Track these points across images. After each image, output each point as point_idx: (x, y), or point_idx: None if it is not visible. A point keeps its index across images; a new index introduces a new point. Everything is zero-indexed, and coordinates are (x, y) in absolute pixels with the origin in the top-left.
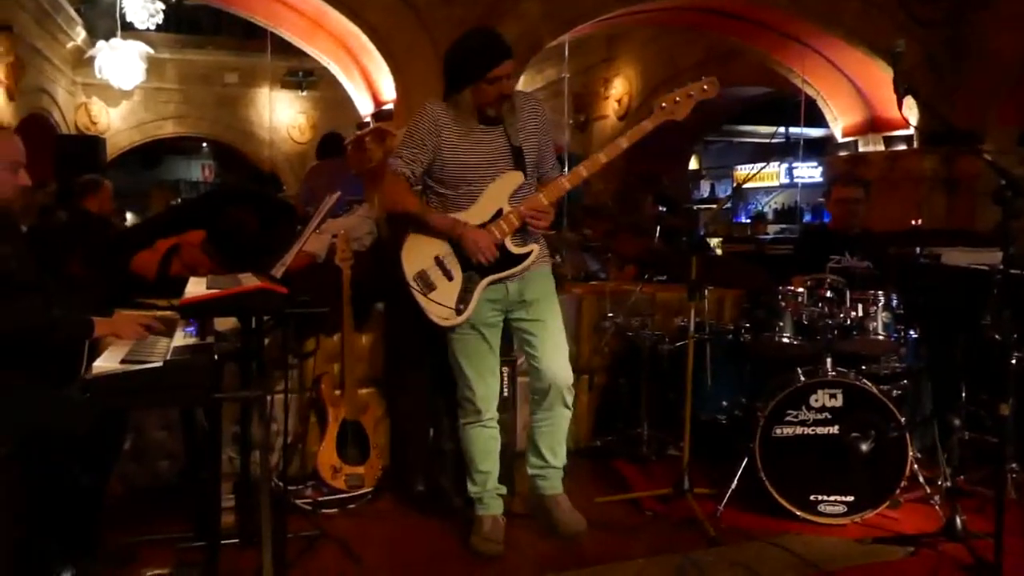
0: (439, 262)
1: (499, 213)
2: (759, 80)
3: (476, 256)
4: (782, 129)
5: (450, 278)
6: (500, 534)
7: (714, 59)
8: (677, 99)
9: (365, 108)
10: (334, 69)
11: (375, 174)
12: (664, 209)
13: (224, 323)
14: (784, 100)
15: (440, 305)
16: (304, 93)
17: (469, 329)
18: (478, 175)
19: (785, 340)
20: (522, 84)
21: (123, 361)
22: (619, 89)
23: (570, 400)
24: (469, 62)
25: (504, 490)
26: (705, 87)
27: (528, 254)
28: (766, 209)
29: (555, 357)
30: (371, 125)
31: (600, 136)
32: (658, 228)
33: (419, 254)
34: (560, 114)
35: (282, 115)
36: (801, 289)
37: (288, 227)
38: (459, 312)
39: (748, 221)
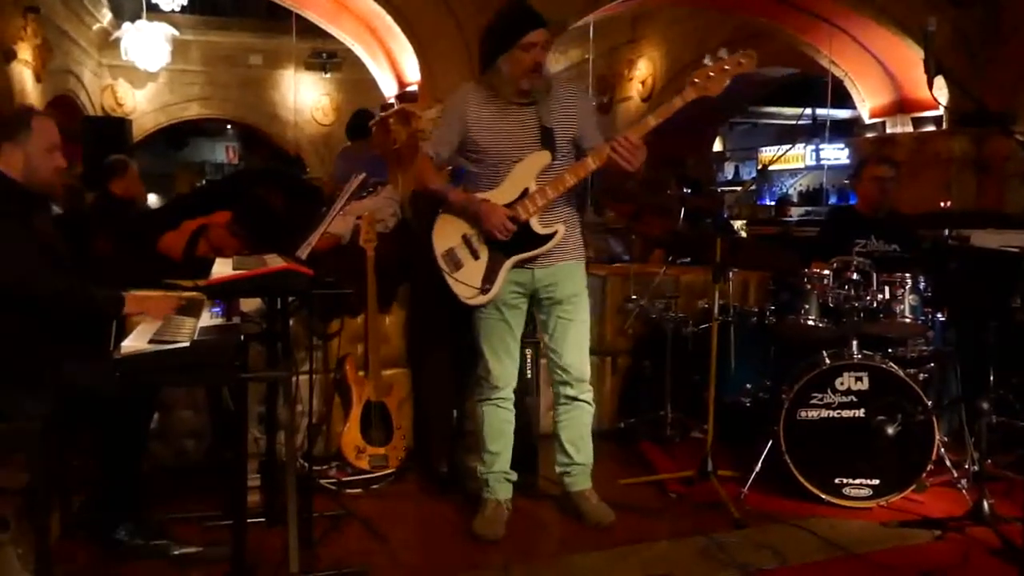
0: (466, 241)
1: (525, 192)
2: (786, 61)
3: (491, 232)
4: (808, 110)
5: (476, 257)
6: (502, 519)
7: (741, 40)
8: (712, 73)
9: (389, 90)
10: (358, 50)
11: (400, 155)
12: (688, 191)
13: (250, 304)
14: (811, 81)
15: (465, 284)
16: (328, 75)
17: (491, 308)
18: (505, 154)
19: (811, 323)
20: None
21: (151, 341)
22: (643, 71)
23: (590, 396)
24: (503, 29)
25: (514, 476)
26: (741, 60)
27: (552, 235)
28: (791, 191)
29: (575, 354)
30: (395, 107)
31: (624, 118)
32: (682, 210)
33: (448, 233)
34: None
35: (306, 97)
36: (827, 271)
37: (314, 208)
38: (484, 291)
39: (773, 203)
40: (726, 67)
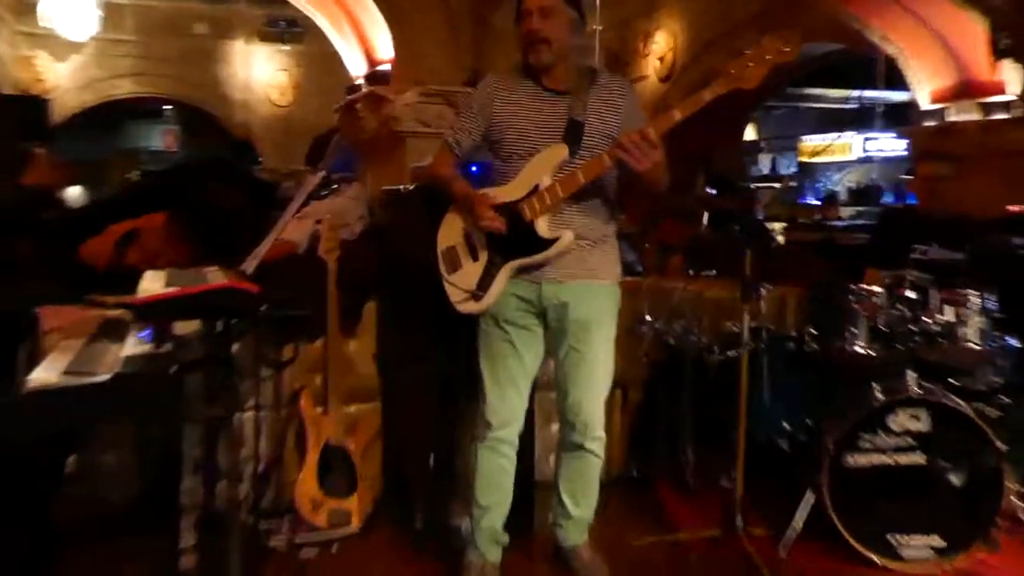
0: (468, 239)
1: (535, 189)
2: (830, 35)
3: (479, 224)
4: (856, 93)
5: (475, 258)
6: None
7: (776, 10)
8: (750, 63)
9: (357, 68)
10: (320, 21)
11: (370, 147)
12: (714, 190)
13: (186, 326)
14: (859, 59)
15: (458, 288)
16: (287, 47)
17: (492, 324)
18: (523, 146)
19: (859, 349)
20: None
21: (66, 372)
22: (661, 45)
23: (599, 447)
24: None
25: (506, 539)
26: (785, 48)
27: (556, 239)
28: (838, 188)
29: (586, 395)
30: (364, 89)
31: (640, 101)
32: (706, 213)
33: (452, 230)
34: None
35: (260, 72)
36: (878, 288)
37: (268, 209)
38: (476, 298)
39: (817, 203)
40: (767, 56)
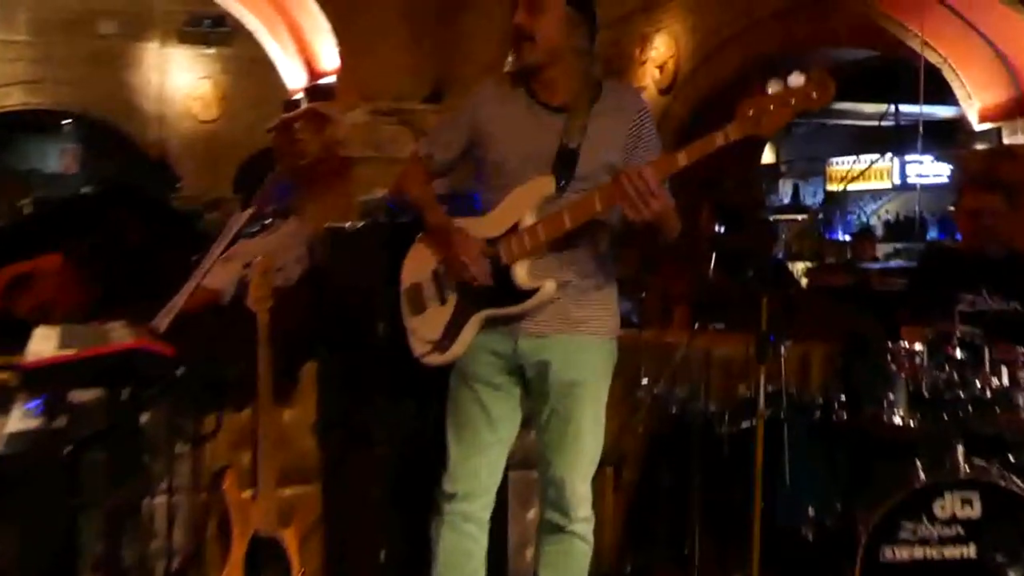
0: (436, 279)
1: (515, 228)
2: (863, 40)
3: (459, 273)
4: (894, 108)
5: (442, 301)
6: None
7: (801, 10)
8: (771, 106)
9: (296, 80)
10: (251, 23)
11: (311, 175)
12: (724, 226)
13: (84, 394)
14: (897, 68)
15: (421, 335)
16: (211, 50)
17: (460, 381)
18: (507, 172)
19: (898, 419)
20: None
21: None
22: (662, 51)
23: (587, 529)
24: None
25: None
26: (814, 94)
27: (536, 291)
28: (874, 221)
29: (575, 470)
30: (303, 105)
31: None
32: (714, 253)
33: (419, 263)
34: None
35: (179, 80)
36: (920, 345)
37: (186, 248)
38: (441, 348)
39: (848, 239)
40: (792, 100)
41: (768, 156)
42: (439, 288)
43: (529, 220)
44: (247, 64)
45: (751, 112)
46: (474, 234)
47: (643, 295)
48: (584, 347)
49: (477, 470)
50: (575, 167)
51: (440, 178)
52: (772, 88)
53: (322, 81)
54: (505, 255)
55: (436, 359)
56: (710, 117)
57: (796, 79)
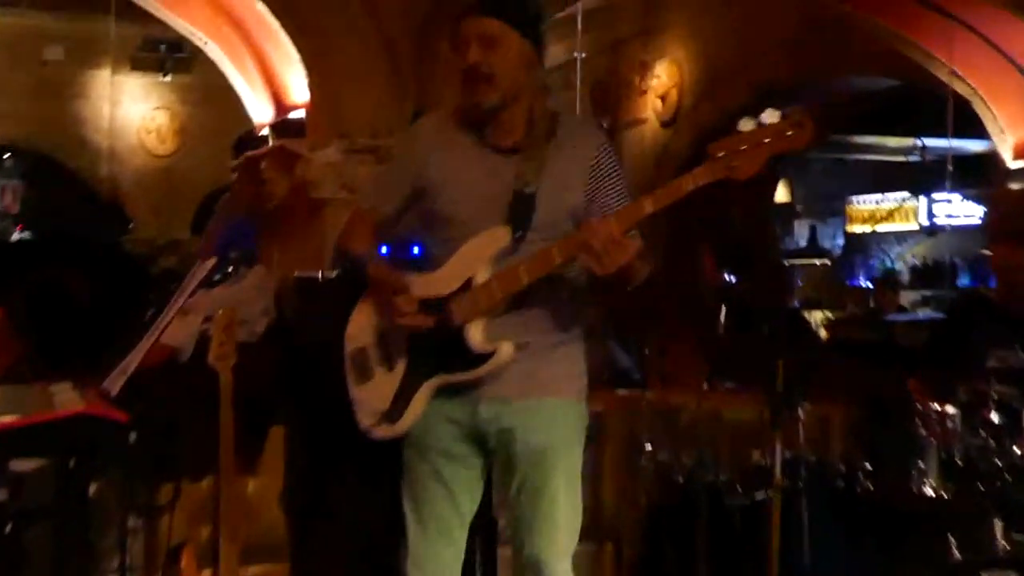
0: (383, 340)
1: (467, 284)
2: (884, 68)
3: (397, 321)
4: (921, 143)
5: (390, 366)
6: None
7: (815, 35)
8: (744, 146)
9: (262, 114)
10: (213, 52)
11: (278, 219)
12: (733, 274)
13: (26, 464)
14: (923, 99)
15: (367, 405)
16: (168, 78)
17: (416, 455)
18: (462, 223)
19: (929, 490)
20: None
21: None
22: (664, 79)
23: None
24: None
25: None
26: (789, 132)
27: (491, 354)
28: (899, 266)
29: (551, 548)
30: (271, 142)
31: (634, 151)
32: (724, 303)
33: (364, 325)
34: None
35: (132, 111)
36: (952, 408)
37: (138, 300)
38: (390, 419)
39: (871, 286)
40: (766, 139)
41: (782, 194)
42: (386, 352)
43: (483, 276)
44: (208, 93)
45: (721, 154)
46: (423, 293)
47: (645, 350)
48: (551, 411)
49: (439, 552)
50: (532, 214)
51: (386, 232)
52: (743, 126)
53: (291, 115)
54: (458, 315)
55: (386, 432)
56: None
57: (770, 116)
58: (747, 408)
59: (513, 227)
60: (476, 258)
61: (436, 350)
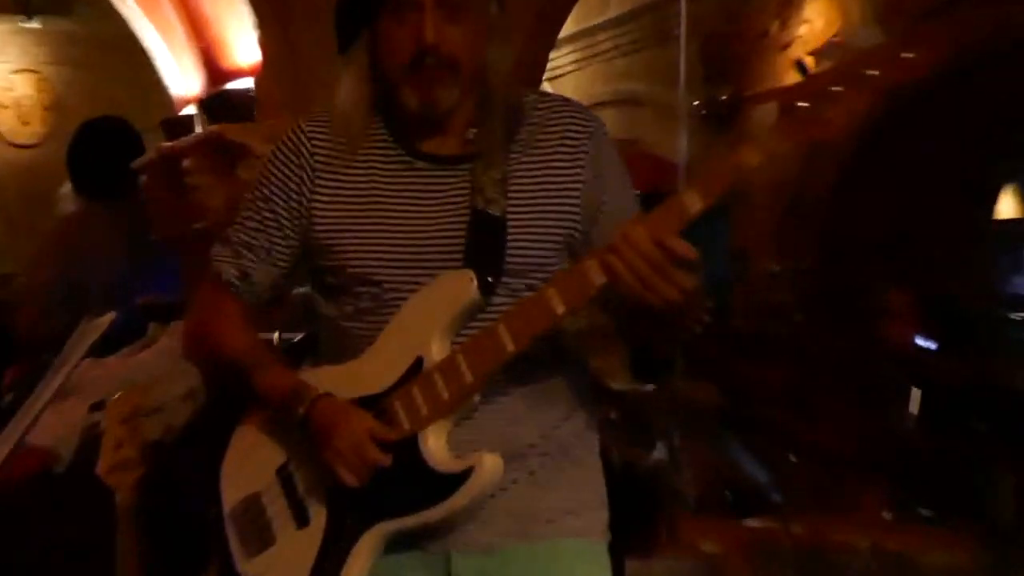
0: (285, 483)
1: (416, 368)
2: None
3: (337, 471)
4: None
5: (302, 520)
6: None
7: None
8: (835, 86)
9: (185, 84)
10: None
11: (210, 245)
12: (929, 342)
13: None
14: None
15: None
16: (34, 23)
17: None
18: (393, 280)
19: None
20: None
21: None
22: (817, 25)
23: None
24: None
25: None
26: (904, 55)
27: (466, 474)
28: None
29: None
30: (199, 128)
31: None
32: (915, 386)
33: (250, 465)
34: (668, 86)
35: None
36: None
37: None
38: None
39: None
40: (868, 71)
41: (1008, 206)
42: (293, 498)
43: (440, 351)
44: (95, 48)
45: (802, 106)
46: (341, 394)
47: (789, 457)
48: (561, 559)
49: None
50: (504, 246)
51: (265, 309)
52: (827, 56)
53: (231, 85)
54: (408, 418)
55: None
56: (899, 140)
57: (868, 36)
58: (954, 551)
59: (477, 270)
60: (424, 325)
61: (376, 480)
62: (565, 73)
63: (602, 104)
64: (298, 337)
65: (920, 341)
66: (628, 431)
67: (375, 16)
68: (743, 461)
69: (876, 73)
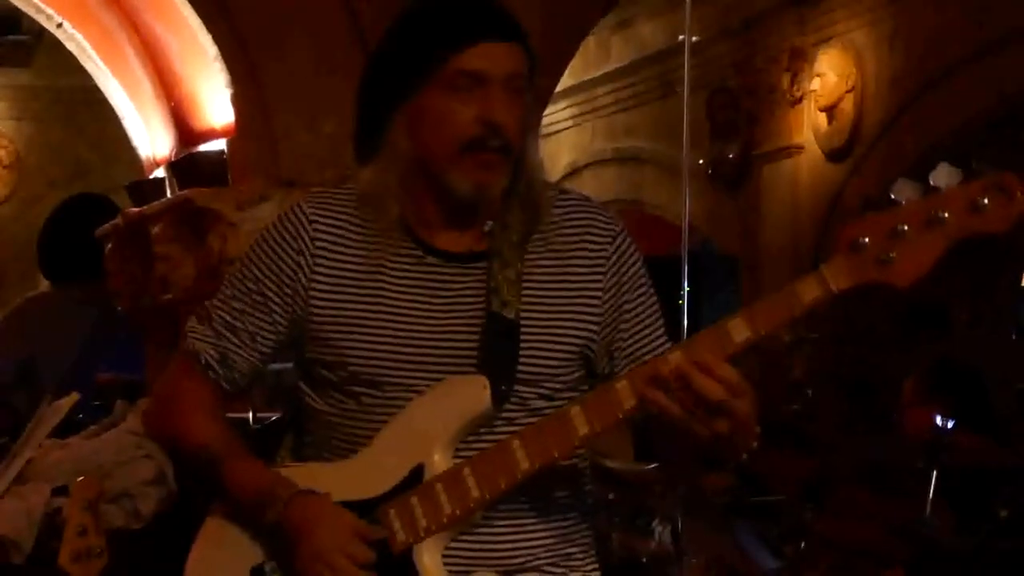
0: None
1: (417, 476)
2: None
3: (318, 573)
4: None
5: None
6: None
7: None
8: (904, 227)
9: (154, 144)
10: (73, 40)
11: (178, 321)
12: (948, 421)
13: None
14: None
15: None
16: None
17: None
18: (398, 373)
19: None
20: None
21: None
22: (831, 80)
23: None
24: (409, 46)
25: None
26: (984, 200)
27: None
28: None
29: None
30: (169, 193)
31: (780, 202)
32: (934, 468)
33: (220, 561)
34: (672, 143)
35: None
36: None
37: None
38: None
39: None
40: (942, 214)
41: None
42: None
43: (442, 461)
44: (62, 100)
45: (865, 239)
46: (331, 497)
47: (800, 544)
48: None
49: None
50: (516, 355)
51: (240, 397)
52: (900, 192)
53: (204, 148)
54: (403, 531)
55: None
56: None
57: (946, 176)
58: None
59: (490, 377)
60: (429, 431)
61: None
62: (562, 129)
63: (602, 162)
64: (274, 417)
65: (939, 420)
66: (628, 514)
67: (417, 90)
68: (752, 549)
69: (947, 217)
